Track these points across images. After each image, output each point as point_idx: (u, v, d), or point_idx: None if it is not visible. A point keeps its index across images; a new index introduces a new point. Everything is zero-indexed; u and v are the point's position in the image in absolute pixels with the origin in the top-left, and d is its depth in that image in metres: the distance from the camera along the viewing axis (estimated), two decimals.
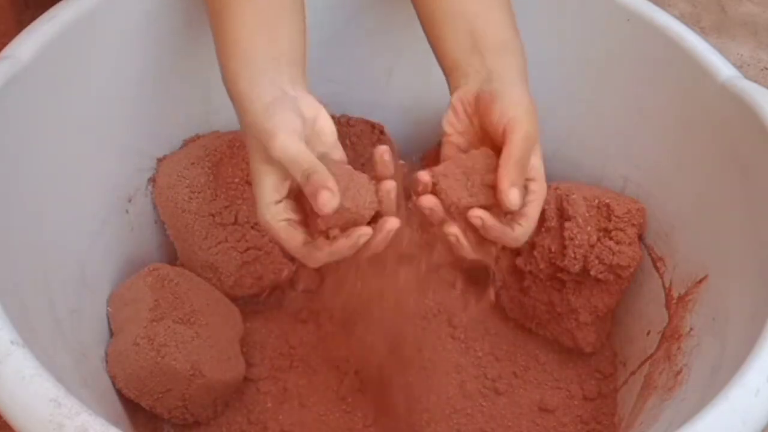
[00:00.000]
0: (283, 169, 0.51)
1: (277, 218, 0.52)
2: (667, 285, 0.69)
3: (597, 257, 0.68)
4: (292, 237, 0.53)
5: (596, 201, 0.69)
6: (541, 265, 0.71)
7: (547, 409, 0.71)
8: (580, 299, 0.71)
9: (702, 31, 1.22)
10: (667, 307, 0.68)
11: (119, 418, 0.60)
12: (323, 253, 0.53)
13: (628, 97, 0.72)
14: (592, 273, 0.68)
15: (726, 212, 0.63)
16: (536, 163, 0.55)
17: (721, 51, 0.66)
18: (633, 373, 0.71)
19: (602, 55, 0.73)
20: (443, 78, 0.82)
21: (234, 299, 0.71)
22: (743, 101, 0.60)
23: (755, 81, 0.62)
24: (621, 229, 0.68)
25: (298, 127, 0.52)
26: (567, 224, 0.69)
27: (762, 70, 1.18)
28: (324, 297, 0.75)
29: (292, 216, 0.53)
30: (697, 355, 0.60)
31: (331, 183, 0.49)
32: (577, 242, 0.68)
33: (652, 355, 0.68)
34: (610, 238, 0.68)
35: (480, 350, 0.75)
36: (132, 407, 0.63)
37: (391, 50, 0.79)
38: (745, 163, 0.61)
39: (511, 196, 0.52)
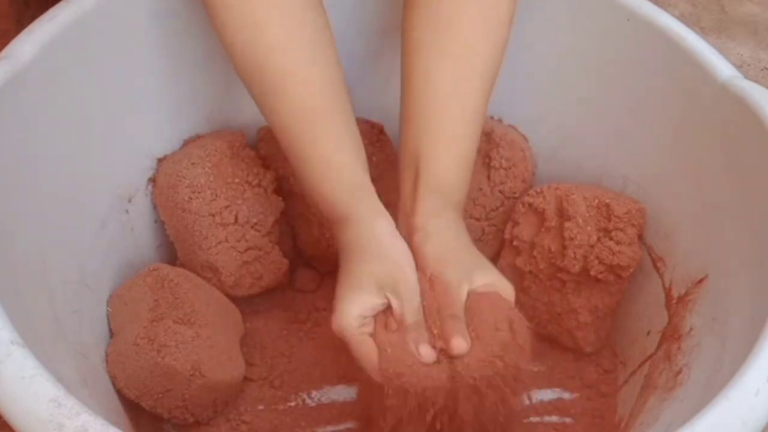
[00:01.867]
0: (382, 300, 0.55)
1: (358, 330, 0.55)
2: (667, 285, 0.69)
3: (597, 257, 0.68)
4: (371, 351, 0.54)
5: (596, 201, 0.69)
6: (541, 265, 0.71)
7: (547, 409, 0.71)
8: (580, 299, 0.71)
9: (702, 31, 1.22)
10: (667, 307, 0.68)
11: (119, 418, 0.60)
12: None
13: (628, 97, 0.72)
14: (592, 273, 0.68)
15: (726, 212, 0.63)
16: (483, 278, 0.57)
17: (721, 51, 0.66)
18: (633, 373, 0.71)
19: (602, 55, 0.73)
20: None
21: (234, 299, 0.71)
22: (743, 101, 0.60)
23: (755, 81, 0.62)
24: (621, 229, 0.68)
25: (414, 268, 0.56)
26: (567, 224, 0.69)
27: (762, 70, 1.18)
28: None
29: (370, 330, 0.55)
30: (697, 355, 0.60)
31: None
32: (577, 242, 0.68)
33: (652, 355, 0.68)
34: (610, 238, 0.68)
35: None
36: (132, 407, 0.63)
37: (391, 50, 0.79)
38: (745, 163, 0.61)
39: (456, 349, 0.53)
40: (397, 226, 0.60)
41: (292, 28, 0.60)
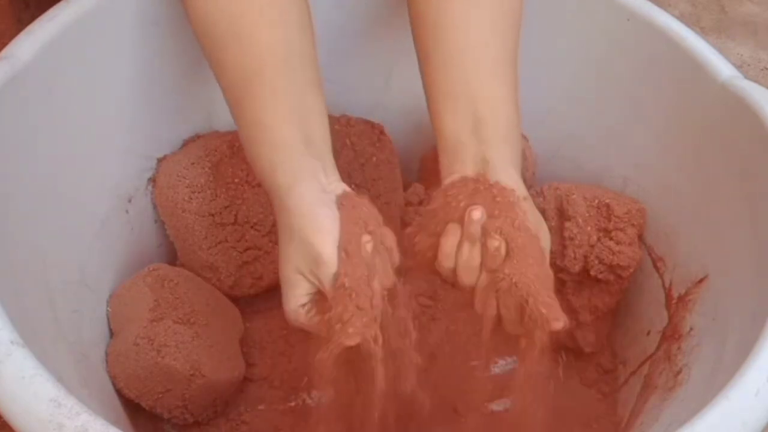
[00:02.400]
0: (315, 282, 0.54)
1: (306, 317, 0.55)
2: (667, 285, 0.69)
3: (597, 257, 0.68)
4: (319, 330, 0.55)
5: (596, 201, 0.69)
6: None
7: (547, 409, 0.71)
8: (580, 299, 0.71)
9: (702, 31, 1.22)
10: (667, 307, 0.68)
11: (119, 418, 0.60)
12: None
13: (628, 97, 0.72)
14: (592, 273, 0.68)
15: (726, 212, 0.63)
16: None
17: (721, 51, 0.66)
18: (633, 373, 0.71)
19: (602, 55, 0.73)
20: None
21: (234, 299, 0.71)
22: (743, 101, 0.60)
23: (755, 81, 0.62)
24: (621, 230, 0.68)
25: (336, 237, 0.53)
26: (567, 224, 0.69)
27: (762, 70, 1.18)
28: None
29: (316, 311, 0.55)
30: (697, 355, 0.60)
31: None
32: (577, 242, 0.68)
33: (652, 355, 0.68)
34: (610, 238, 0.68)
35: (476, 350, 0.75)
36: (132, 407, 0.63)
37: (391, 50, 0.79)
38: (745, 163, 0.61)
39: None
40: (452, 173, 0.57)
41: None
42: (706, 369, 0.57)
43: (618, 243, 0.68)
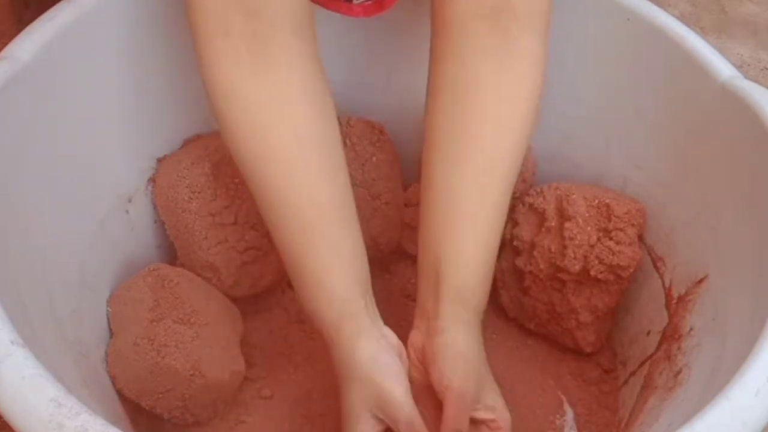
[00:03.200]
0: (384, 420, 0.56)
1: None
2: (667, 285, 0.69)
3: (597, 257, 0.68)
4: None
5: (596, 201, 0.69)
6: (541, 265, 0.71)
7: (548, 411, 0.71)
8: (580, 299, 0.71)
9: (702, 31, 1.22)
10: (667, 307, 0.68)
11: (119, 418, 0.60)
12: None
13: (628, 97, 0.72)
14: (592, 273, 0.68)
15: (726, 212, 0.63)
16: (490, 400, 0.57)
17: (721, 51, 0.66)
18: (633, 373, 0.71)
19: (602, 55, 0.73)
20: None
21: (234, 299, 0.71)
22: (743, 101, 0.60)
23: (755, 81, 0.62)
24: (621, 229, 0.68)
25: (404, 381, 0.56)
26: (567, 224, 0.69)
27: (762, 70, 1.18)
28: None
29: None
30: (697, 355, 0.60)
31: None
32: (577, 242, 0.68)
33: (652, 355, 0.68)
34: (610, 238, 0.68)
35: None
36: (132, 407, 0.63)
37: (391, 51, 0.79)
38: (744, 164, 0.61)
39: None
40: (414, 323, 0.61)
41: (303, 148, 0.58)
42: (706, 369, 0.57)
43: (618, 243, 0.68)
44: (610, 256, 0.68)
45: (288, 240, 0.58)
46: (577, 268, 0.69)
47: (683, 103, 0.67)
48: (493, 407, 0.57)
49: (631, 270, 0.69)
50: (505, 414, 0.58)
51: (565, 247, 0.69)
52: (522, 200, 0.74)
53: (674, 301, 0.67)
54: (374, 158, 0.75)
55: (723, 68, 0.64)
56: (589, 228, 0.69)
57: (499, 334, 0.77)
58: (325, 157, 0.59)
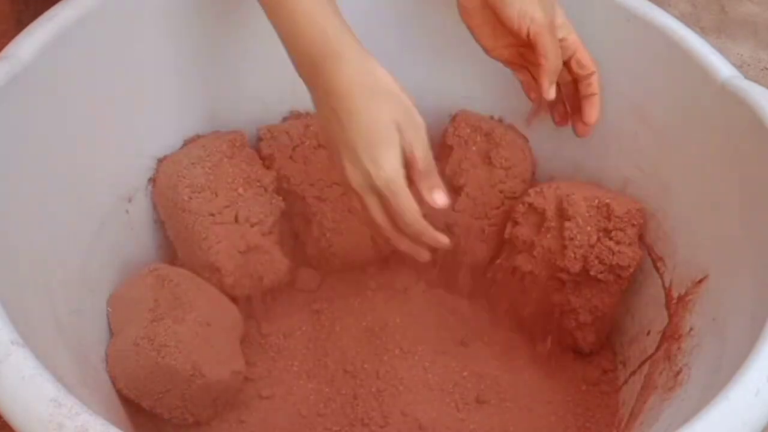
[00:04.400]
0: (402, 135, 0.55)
1: (402, 181, 0.56)
2: (667, 285, 0.69)
3: (597, 257, 0.68)
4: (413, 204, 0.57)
5: (596, 201, 0.69)
6: (541, 265, 0.71)
7: (547, 411, 0.71)
8: (579, 299, 0.71)
9: (702, 31, 1.22)
10: (667, 307, 0.68)
11: (119, 418, 0.60)
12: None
13: (628, 97, 0.72)
14: (592, 273, 0.68)
15: (726, 212, 0.63)
16: (561, 22, 0.64)
17: (721, 51, 0.66)
18: (633, 373, 0.71)
19: (602, 55, 0.73)
20: (442, 77, 0.82)
21: (234, 299, 0.71)
22: (743, 101, 0.60)
23: (755, 81, 0.62)
24: (621, 229, 0.68)
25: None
26: (567, 224, 0.69)
27: (762, 70, 1.19)
28: None
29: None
30: (697, 355, 0.60)
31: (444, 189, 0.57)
32: (577, 242, 0.68)
33: (652, 355, 0.68)
34: (610, 239, 0.68)
35: (478, 350, 0.75)
36: (132, 407, 0.63)
37: (392, 51, 0.79)
38: (744, 163, 0.61)
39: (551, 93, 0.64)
40: None
41: None
42: (706, 369, 0.57)
43: (618, 243, 0.68)
44: (610, 256, 0.68)
45: None
46: (576, 268, 0.69)
47: (683, 103, 0.67)
48: (561, 24, 0.64)
49: (632, 270, 0.69)
50: (571, 30, 0.65)
51: (564, 247, 0.69)
52: (522, 200, 0.74)
53: (674, 301, 0.67)
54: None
55: (723, 68, 0.64)
56: (589, 228, 0.69)
57: (497, 334, 0.77)
58: None
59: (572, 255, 0.69)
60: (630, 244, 0.68)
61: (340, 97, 0.56)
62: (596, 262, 0.68)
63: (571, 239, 0.68)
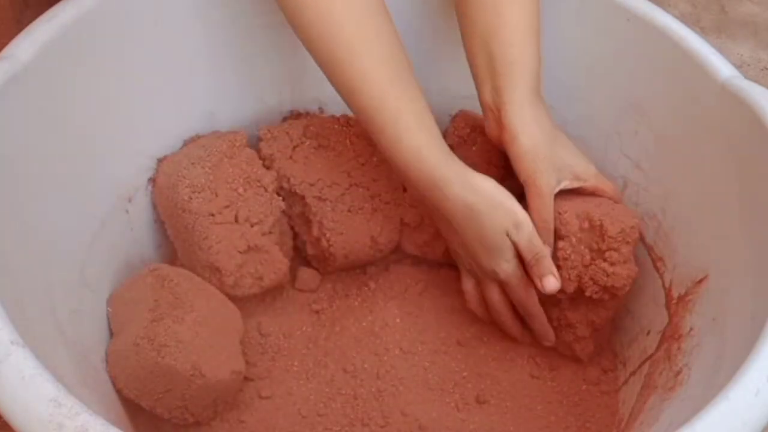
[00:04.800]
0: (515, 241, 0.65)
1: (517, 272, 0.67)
2: (667, 285, 0.69)
3: (591, 278, 0.67)
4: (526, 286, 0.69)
5: (587, 223, 0.67)
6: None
7: (547, 410, 0.71)
8: (576, 314, 0.70)
9: (702, 31, 1.22)
10: (667, 307, 0.68)
11: (119, 418, 0.60)
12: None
13: (627, 98, 0.72)
14: (587, 294, 0.67)
15: (726, 212, 0.63)
16: (573, 169, 0.69)
17: (721, 51, 0.66)
18: (633, 373, 0.71)
19: (602, 55, 0.73)
20: (443, 80, 0.82)
21: (234, 299, 0.71)
22: (743, 101, 0.60)
23: (755, 81, 0.62)
24: (615, 249, 0.66)
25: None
26: (560, 243, 0.67)
27: (762, 70, 1.18)
28: None
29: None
30: (697, 355, 0.60)
31: (556, 273, 0.66)
32: (570, 263, 0.67)
33: (652, 355, 0.68)
34: (604, 259, 0.66)
35: (478, 350, 0.75)
36: (132, 407, 0.63)
37: None
38: (744, 163, 0.61)
39: (548, 286, 0.66)
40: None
41: (369, 31, 0.64)
42: (706, 369, 0.57)
43: (612, 264, 0.66)
44: (604, 278, 0.66)
45: (375, 110, 0.64)
46: (571, 288, 0.67)
47: (683, 103, 0.67)
48: (578, 175, 0.68)
49: (627, 288, 0.67)
50: (590, 171, 0.69)
51: (559, 267, 0.67)
52: None
53: (674, 301, 0.67)
54: (374, 158, 0.75)
55: (723, 68, 0.64)
56: (582, 247, 0.67)
57: (498, 334, 0.77)
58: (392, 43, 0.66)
59: (567, 276, 0.67)
60: (624, 263, 0.66)
61: (453, 217, 0.65)
62: (591, 283, 0.67)
63: (565, 259, 0.67)
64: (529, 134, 0.65)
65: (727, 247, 0.62)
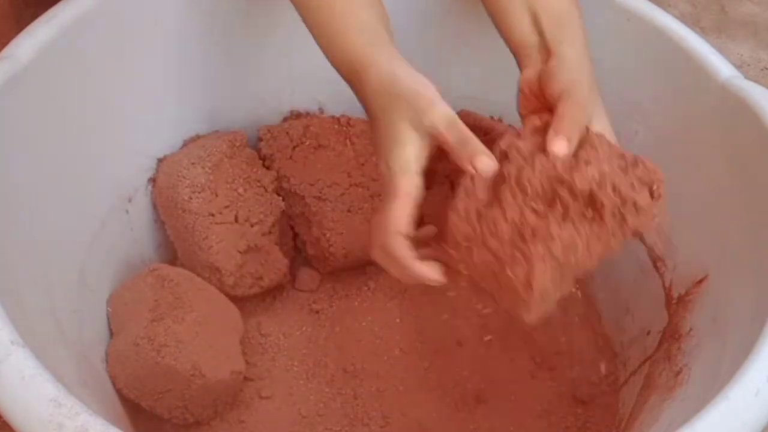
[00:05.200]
0: (427, 140, 0.53)
1: (413, 183, 0.53)
2: (667, 285, 0.69)
3: (614, 186, 0.54)
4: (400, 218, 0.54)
5: (622, 157, 0.60)
6: None
7: (548, 410, 0.71)
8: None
9: (702, 31, 1.22)
10: (667, 307, 0.68)
11: (119, 418, 0.60)
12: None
13: (627, 98, 0.72)
14: (600, 202, 0.57)
15: (726, 212, 0.63)
16: (599, 125, 0.56)
17: (721, 51, 0.66)
18: (633, 373, 0.71)
19: (602, 55, 0.73)
20: (443, 78, 0.81)
21: (234, 299, 0.71)
22: (743, 101, 0.60)
23: (755, 81, 0.62)
24: (648, 183, 0.56)
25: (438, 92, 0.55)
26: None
27: (762, 70, 1.18)
28: None
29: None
30: (697, 355, 0.60)
31: (488, 152, 0.52)
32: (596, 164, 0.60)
33: (652, 355, 0.68)
34: (634, 187, 0.55)
35: (478, 350, 0.75)
36: (132, 407, 0.63)
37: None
38: (745, 163, 0.61)
39: (557, 147, 0.52)
40: (523, 66, 0.60)
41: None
42: (706, 369, 0.57)
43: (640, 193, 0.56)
44: (630, 192, 0.55)
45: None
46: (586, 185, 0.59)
47: (683, 103, 0.67)
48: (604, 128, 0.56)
49: (647, 226, 0.56)
50: (613, 136, 0.57)
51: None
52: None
53: (674, 301, 0.67)
54: (374, 158, 0.75)
55: (723, 68, 0.64)
56: (614, 164, 0.59)
57: (498, 334, 0.77)
58: None
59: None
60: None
61: (368, 107, 0.57)
62: (611, 191, 0.55)
63: (588, 163, 0.57)
64: (578, 65, 0.59)
65: (727, 247, 0.62)
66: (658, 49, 0.68)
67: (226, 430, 0.68)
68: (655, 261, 0.71)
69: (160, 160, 0.73)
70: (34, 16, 0.61)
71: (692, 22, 1.24)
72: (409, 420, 0.68)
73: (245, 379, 0.70)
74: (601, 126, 0.56)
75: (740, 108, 0.60)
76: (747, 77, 0.63)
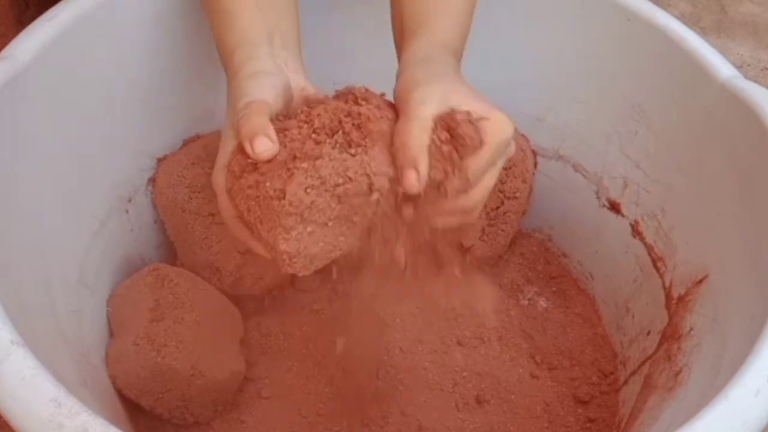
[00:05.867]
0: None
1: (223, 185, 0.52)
2: (667, 285, 0.69)
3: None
4: (228, 207, 0.52)
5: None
6: None
7: (548, 410, 0.71)
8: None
9: (702, 31, 1.22)
10: (667, 307, 0.68)
11: (119, 418, 0.60)
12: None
13: (628, 97, 0.72)
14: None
15: (726, 212, 0.63)
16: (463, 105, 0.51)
17: (721, 51, 0.66)
18: (633, 373, 0.71)
19: (602, 55, 0.73)
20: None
21: (234, 299, 0.71)
22: (743, 101, 0.60)
23: (755, 81, 0.62)
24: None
25: (270, 97, 0.52)
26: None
27: (762, 70, 1.19)
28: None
29: None
30: (697, 355, 0.60)
31: (272, 132, 0.48)
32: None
33: (652, 355, 0.68)
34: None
35: (478, 350, 0.75)
36: (132, 407, 0.63)
37: (392, 51, 0.79)
38: (744, 164, 0.61)
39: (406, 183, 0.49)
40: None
41: None
42: (706, 369, 0.57)
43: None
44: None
45: None
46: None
47: (683, 103, 0.67)
48: (474, 110, 0.50)
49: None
50: (495, 114, 0.51)
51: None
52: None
53: (674, 301, 0.67)
54: None
55: (723, 68, 0.64)
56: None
57: (498, 333, 0.77)
58: None
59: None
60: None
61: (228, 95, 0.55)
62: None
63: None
64: (411, 72, 0.54)
65: (727, 247, 0.62)
66: (658, 49, 0.68)
67: (226, 430, 0.68)
68: (655, 261, 0.71)
69: (160, 160, 0.73)
70: (34, 16, 0.61)
71: (692, 22, 1.24)
72: (408, 420, 0.68)
73: (245, 379, 0.70)
74: (457, 101, 0.51)
75: (740, 108, 0.60)
76: (747, 77, 0.63)
